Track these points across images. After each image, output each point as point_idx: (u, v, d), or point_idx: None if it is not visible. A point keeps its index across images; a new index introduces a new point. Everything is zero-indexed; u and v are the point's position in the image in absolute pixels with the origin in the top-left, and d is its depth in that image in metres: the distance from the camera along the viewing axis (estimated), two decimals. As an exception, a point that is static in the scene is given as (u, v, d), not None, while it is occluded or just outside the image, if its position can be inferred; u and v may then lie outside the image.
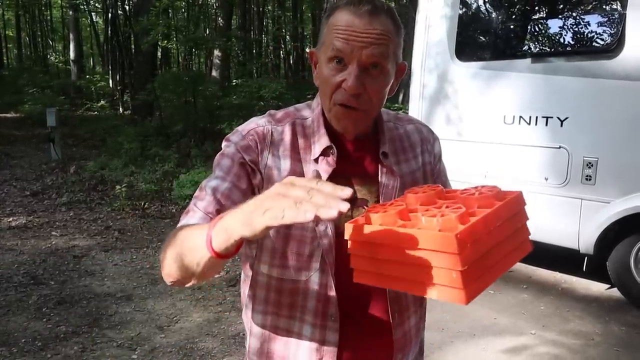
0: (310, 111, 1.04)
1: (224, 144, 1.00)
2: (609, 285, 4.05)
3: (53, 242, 5.09)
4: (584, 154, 3.69)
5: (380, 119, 1.05)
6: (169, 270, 0.85)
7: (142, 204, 6.52)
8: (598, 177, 3.64)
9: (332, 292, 0.96)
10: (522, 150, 4.02)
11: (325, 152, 0.97)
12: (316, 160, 0.97)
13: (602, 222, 3.65)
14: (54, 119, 8.95)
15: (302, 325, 0.97)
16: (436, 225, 0.67)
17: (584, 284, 4.20)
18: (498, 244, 0.72)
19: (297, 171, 0.96)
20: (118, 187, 6.70)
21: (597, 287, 4.12)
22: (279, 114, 1.03)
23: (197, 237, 0.75)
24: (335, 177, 0.97)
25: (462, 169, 4.29)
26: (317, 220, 0.61)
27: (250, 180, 0.95)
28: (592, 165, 3.66)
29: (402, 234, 0.70)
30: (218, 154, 1.00)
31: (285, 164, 0.96)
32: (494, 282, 0.71)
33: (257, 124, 1.00)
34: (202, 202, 0.92)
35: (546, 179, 3.89)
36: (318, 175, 0.78)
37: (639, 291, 3.70)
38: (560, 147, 3.80)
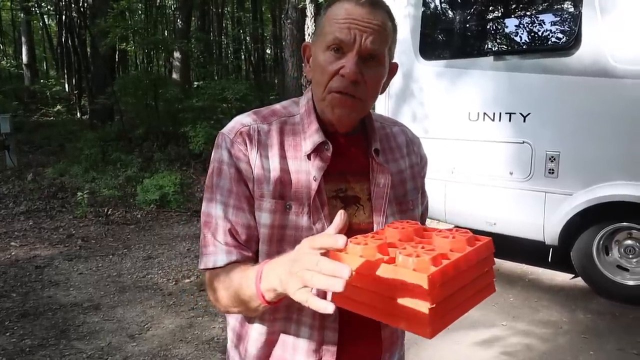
0: (297, 108, 1.02)
1: (215, 154, 0.97)
2: (573, 275, 4.20)
3: (13, 253, 4.89)
4: (547, 148, 3.82)
5: (369, 115, 1.05)
6: (231, 311, 0.96)
7: (106, 210, 6.34)
8: (560, 170, 3.77)
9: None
10: (487, 145, 4.12)
11: (318, 149, 0.95)
12: (308, 156, 0.95)
13: (565, 213, 3.77)
14: (8, 125, 8.63)
15: (299, 327, 0.95)
16: (411, 264, 0.73)
17: (549, 274, 4.34)
18: (464, 286, 0.78)
19: (285, 169, 0.94)
20: (79, 193, 6.49)
21: (562, 277, 4.27)
22: (264, 111, 1.01)
23: (249, 291, 0.85)
24: (329, 174, 0.95)
25: (429, 165, 4.34)
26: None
27: (249, 193, 0.94)
28: (554, 159, 3.79)
29: (379, 268, 0.76)
30: (213, 166, 0.97)
31: (274, 163, 0.94)
32: (456, 320, 0.77)
33: (242, 124, 0.97)
34: (218, 234, 0.94)
35: (511, 174, 4.00)
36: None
37: (602, 279, 3.84)
38: (523, 142, 3.92)
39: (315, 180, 0.93)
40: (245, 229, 0.94)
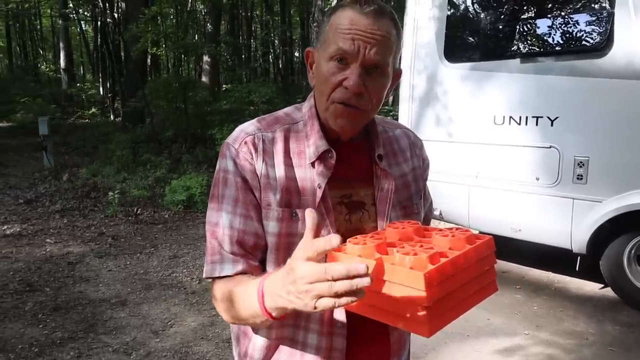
0: (300, 114, 1.01)
1: (220, 164, 0.97)
2: (602, 285, 4.08)
3: (47, 249, 5.06)
4: (575, 153, 3.73)
5: (372, 121, 1.05)
6: (233, 321, 0.94)
7: (135, 210, 6.50)
8: (589, 176, 3.67)
9: None
10: (513, 150, 4.05)
11: (322, 156, 0.95)
12: (312, 164, 0.95)
13: (594, 221, 3.66)
14: (46, 128, 8.93)
15: (307, 334, 0.95)
16: (408, 262, 0.73)
17: (577, 283, 4.23)
18: (464, 285, 0.78)
19: (291, 177, 0.94)
20: (111, 193, 6.67)
21: (590, 287, 4.15)
22: (268, 119, 1.01)
23: (253, 307, 0.83)
24: (334, 181, 0.95)
25: (453, 170, 4.32)
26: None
27: (257, 202, 0.94)
28: (583, 165, 3.69)
29: (376, 267, 0.76)
30: (219, 176, 0.97)
31: (280, 171, 0.94)
32: (456, 319, 0.76)
33: (246, 132, 0.97)
34: (225, 243, 0.94)
35: (537, 179, 3.92)
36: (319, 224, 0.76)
37: (633, 290, 3.72)
38: (551, 147, 3.84)
39: (319, 188, 0.94)
40: (253, 237, 0.94)
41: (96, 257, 4.86)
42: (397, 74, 0.99)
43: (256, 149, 0.94)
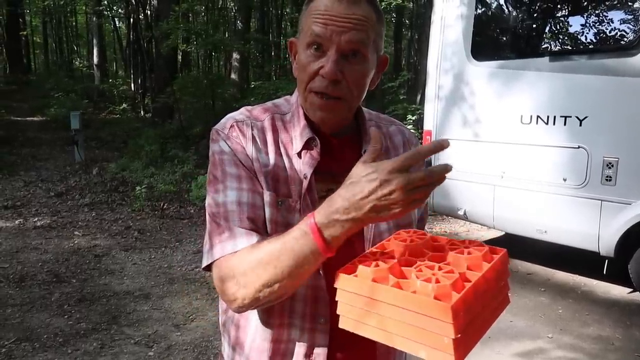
0: (289, 106, 1.00)
1: (213, 148, 0.95)
2: (631, 289, 3.97)
3: (76, 242, 5.21)
4: (604, 154, 3.63)
5: (362, 116, 1.02)
6: (260, 295, 0.82)
7: (161, 204, 6.63)
8: (619, 177, 3.57)
9: (323, 293, 0.91)
10: (540, 150, 3.97)
11: (307, 146, 0.93)
12: (299, 154, 0.93)
13: (623, 223, 3.57)
14: (78, 122, 9.15)
15: (291, 331, 0.93)
16: (431, 291, 0.69)
17: (604, 287, 4.12)
18: (484, 306, 0.74)
19: (278, 166, 0.92)
20: (138, 188, 6.82)
21: (618, 291, 4.04)
22: (257, 109, 0.99)
23: (303, 251, 0.76)
24: (320, 174, 0.93)
25: (479, 169, 4.25)
26: None
27: (258, 178, 0.91)
28: (612, 166, 3.59)
29: (395, 294, 0.72)
30: (214, 158, 0.94)
31: (271, 159, 0.93)
32: (479, 342, 0.74)
33: (235, 119, 0.95)
34: (233, 220, 0.87)
35: (565, 180, 3.83)
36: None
37: (662, 294, 3.62)
38: (579, 147, 3.74)
39: (305, 178, 0.92)
40: (261, 210, 0.90)
41: (122, 251, 4.97)
42: (383, 60, 0.96)
43: (244, 135, 0.93)
